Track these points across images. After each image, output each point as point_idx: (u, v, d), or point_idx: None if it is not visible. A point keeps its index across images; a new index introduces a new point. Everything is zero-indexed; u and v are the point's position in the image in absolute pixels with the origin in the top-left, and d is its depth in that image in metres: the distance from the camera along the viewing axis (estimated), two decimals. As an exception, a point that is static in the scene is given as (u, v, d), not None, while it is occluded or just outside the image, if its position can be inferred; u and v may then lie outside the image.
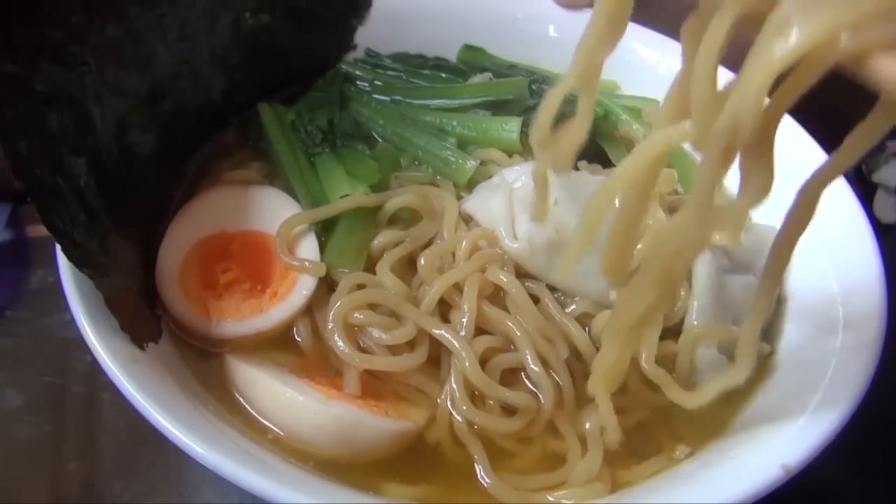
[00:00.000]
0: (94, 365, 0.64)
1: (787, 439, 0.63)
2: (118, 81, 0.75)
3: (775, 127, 0.48)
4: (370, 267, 0.79)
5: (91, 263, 0.67)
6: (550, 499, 0.68)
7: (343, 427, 0.68)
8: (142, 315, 0.73)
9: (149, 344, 0.70)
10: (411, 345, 0.73)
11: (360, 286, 0.76)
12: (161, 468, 0.84)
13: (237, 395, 0.72)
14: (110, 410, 0.88)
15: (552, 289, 0.77)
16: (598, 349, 0.75)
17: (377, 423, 0.69)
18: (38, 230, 1.09)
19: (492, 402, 0.72)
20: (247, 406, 0.72)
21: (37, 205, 0.63)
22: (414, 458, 0.71)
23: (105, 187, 0.71)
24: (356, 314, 0.74)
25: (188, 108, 0.86)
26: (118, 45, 0.75)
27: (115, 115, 0.75)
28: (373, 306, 0.75)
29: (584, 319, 0.76)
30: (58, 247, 0.67)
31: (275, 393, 0.70)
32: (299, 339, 0.77)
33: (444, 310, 0.76)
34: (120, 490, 0.83)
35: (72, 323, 0.66)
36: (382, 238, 0.80)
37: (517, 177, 0.82)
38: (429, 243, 0.81)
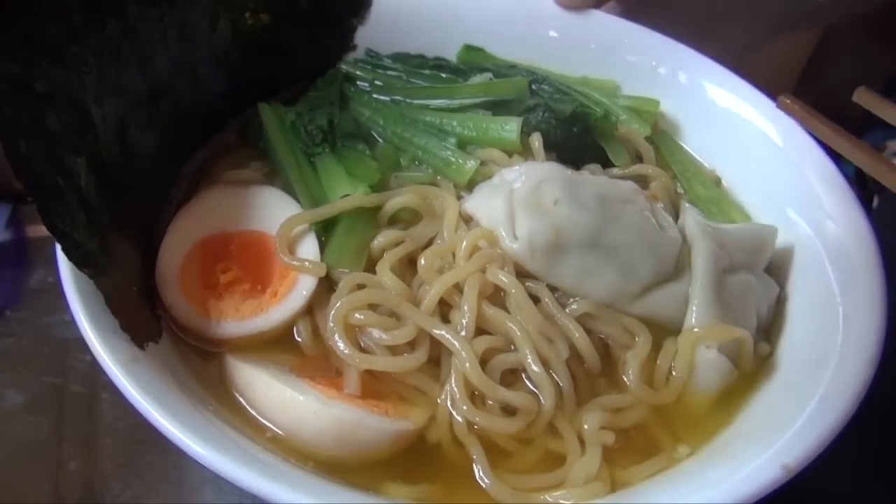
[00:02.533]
0: (94, 365, 0.64)
1: (787, 439, 0.63)
2: (118, 81, 0.75)
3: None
4: (370, 267, 0.79)
5: (91, 263, 0.67)
6: (549, 499, 0.68)
7: (343, 427, 0.68)
8: (142, 315, 0.73)
9: (149, 344, 0.70)
10: (411, 345, 0.73)
11: (360, 286, 0.76)
12: (161, 468, 0.85)
13: (237, 396, 0.72)
14: (110, 410, 0.88)
15: (552, 289, 0.77)
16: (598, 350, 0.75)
17: (377, 424, 0.69)
18: (38, 230, 1.09)
19: (492, 403, 0.72)
20: (247, 406, 0.71)
21: (37, 205, 0.63)
22: (414, 457, 0.71)
23: (105, 187, 0.71)
24: (356, 314, 0.73)
25: (188, 108, 0.86)
26: (118, 44, 0.74)
27: (115, 115, 0.75)
28: (373, 306, 0.74)
29: (584, 319, 0.76)
30: (58, 247, 0.67)
31: (275, 393, 0.70)
32: (299, 340, 0.77)
33: (444, 310, 0.76)
34: (120, 490, 0.83)
35: (72, 323, 0.66)
36: (382, 238, 0.80)
37: (517, 177, 0.82)
38: (429, 243, 0.80)
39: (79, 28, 0.70)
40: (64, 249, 0.65)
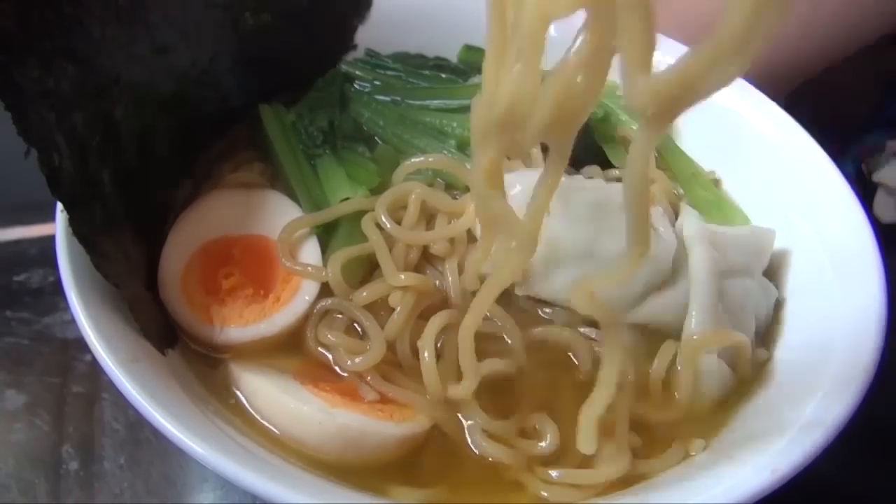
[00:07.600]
0: (94, 365, 0.64)
1: (782, 443, 0.63)
2: (137, 88, 0.75)
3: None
4: (370, 270, 0.79)
5: (117, 273, 0.67)
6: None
7: (349, 435, 0.67)
8: (160, 321, 0.73)
9: (167, 350, 0.70)
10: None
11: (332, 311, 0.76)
12: (161, 468, 0.85)
13: (241, 404, 0.72)
14: (110, 410, 0.89)
15: (548, 304, 0.77)
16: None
17: (382, 429, 0.68)
18: (38, 230, 1.09)
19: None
20: (251, 412, 0.71)
21: (69, 217, 0.64)
22: (420, 459, 0.70)
23: (125, 194, 0.72)
24: (329, 335, 0.74)
25: (192, 112, 0.85)
26: (141, 53, 0.75)
27: (136, 123, 0.75)
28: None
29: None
30: (58, 247, 0.68)
31: (278, 404, 0.69)
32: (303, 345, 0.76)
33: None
34: (120, 490, 0.83)
35: (72, 323, 0.66)
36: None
37: (512, 183, 0.80)
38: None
39: (106, 39, 0.70)
40: (93, 261, 0.66)
